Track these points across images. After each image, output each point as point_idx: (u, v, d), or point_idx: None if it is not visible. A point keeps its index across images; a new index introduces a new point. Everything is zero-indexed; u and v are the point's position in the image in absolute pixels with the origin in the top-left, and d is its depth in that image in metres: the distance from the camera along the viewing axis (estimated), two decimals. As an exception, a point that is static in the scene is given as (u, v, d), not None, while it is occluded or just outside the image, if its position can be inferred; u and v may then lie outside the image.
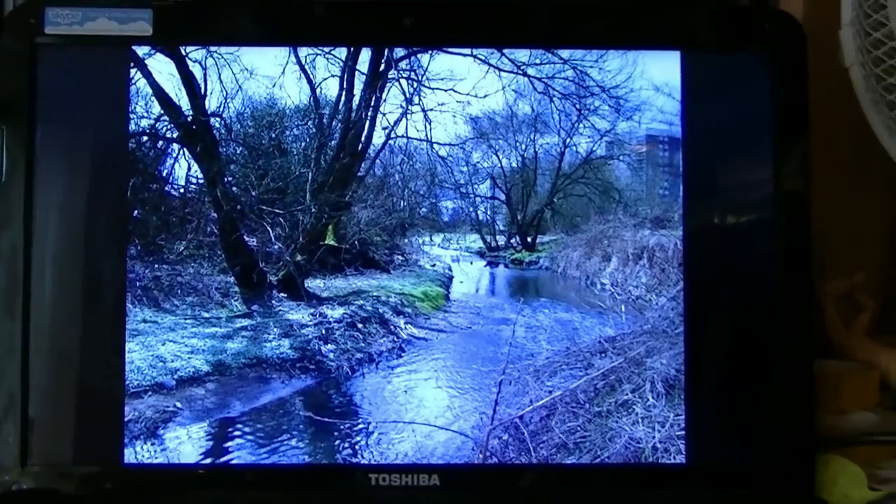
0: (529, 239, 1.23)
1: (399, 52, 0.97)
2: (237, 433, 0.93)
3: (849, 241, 1.06)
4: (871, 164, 0.99)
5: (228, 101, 0.97)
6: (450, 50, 0.94)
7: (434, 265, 1.22)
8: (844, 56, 0.94)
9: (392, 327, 1.11)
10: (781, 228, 0.82)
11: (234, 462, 0.89)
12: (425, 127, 1.03)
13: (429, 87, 0.99)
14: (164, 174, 1.01)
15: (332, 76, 0.99)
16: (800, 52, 0.84)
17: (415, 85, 0.99)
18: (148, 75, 0.92)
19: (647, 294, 0.99)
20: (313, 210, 1.03)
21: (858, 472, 0.84)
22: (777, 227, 0.82)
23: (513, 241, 1.24)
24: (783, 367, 0.81)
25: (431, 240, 1.20)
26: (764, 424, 0.82)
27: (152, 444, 0.87)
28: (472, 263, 1.25)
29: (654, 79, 0.92)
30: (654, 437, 0.88)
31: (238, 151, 1.04)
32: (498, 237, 1.25)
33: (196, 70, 0.94)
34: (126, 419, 0.84)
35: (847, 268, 1.06)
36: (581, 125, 1.02)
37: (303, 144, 1.06)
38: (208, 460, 0.88)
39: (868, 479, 0.83)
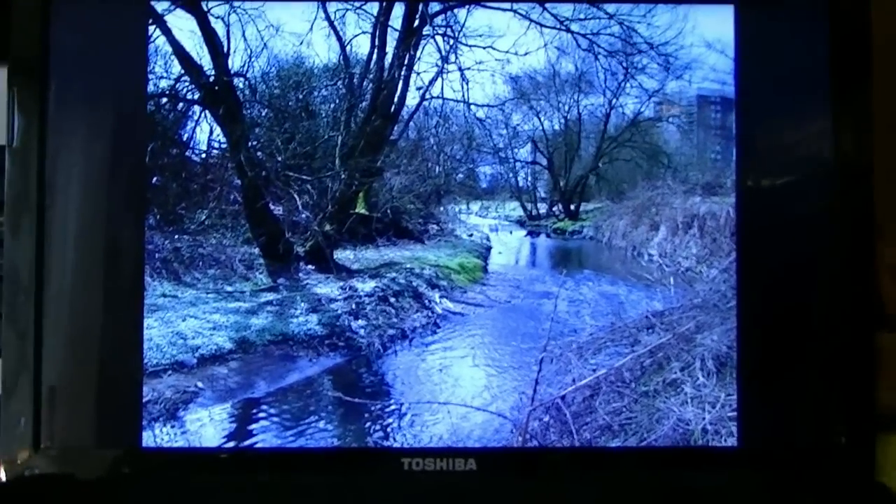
0: (573, 207, 1.22)
1: (434, 6, 0.95)
2: (262, 415, 0.91)
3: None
4: None
5: (253, 59, 0.95)
6: (488, 4, 0.91)
7: (471, 235, 1.21)
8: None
9: (426, 301, 1.09)
10: (841, 193, 0.79)
11: (258, 445, 0.87)
12: (462, 87, 1.01)
13: (466, 45, 0.96)
14: (185, 138, 0.99)
15: (363, 33, 0.97)
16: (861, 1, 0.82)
17: (451, 42, 0.97)
18: (167, 32, 0.89)
19: (698, 265, 0.98)
20: (343, 176, 1.01)
21: (920, 455, 0.82)
22: (836, 192, 0.80)
23: (555, 208, 1.23)
24: (842, 343, 0.79)
25: (468, 208, 1.19)
26: (821, 404, 0.80)
27: (172, 427, 0.85)
28: (511, 233, 1.24)
29: (705, 34, 0.89)
30: (704, 419, 0.86)
31: (263, 114, 1.02)
32: (539, 205, 1.24)
33: (218, 27, 0.91)
34: (145, 400, 0.82)
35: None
36: (628, 85, 0.99)
37: (332, 106, 1.04)
38: (231, 444, 0.86)
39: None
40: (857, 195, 0.79)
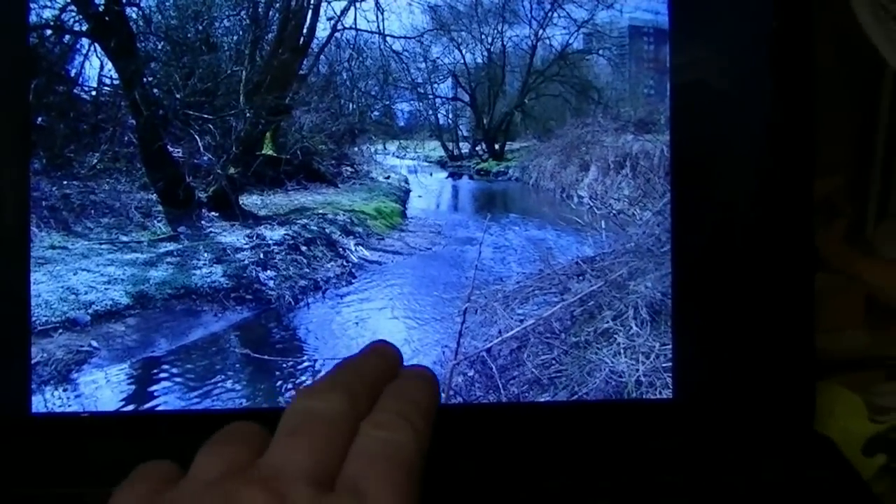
0: (497, 146, 1.22)
1: (346, -73, 0.93)
2: (163, 375, 0.90)
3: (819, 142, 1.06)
4: (838, 54, 0.98)
5: (147, -14, 0.93)
6: (406, -76, 0.91)
7: (388, 177, 1.20)
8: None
9: (341, 249, 1.09)
10: (781, 131, 0.81)
11: (160, 408, 0.86)
12: (377, 17, 1.00)
13: (381, -30, 0.95)
14: (73, 74, 0.96)
15: (269, -44, 0.95)
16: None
17: (365, -33, 0.95)
18: (50, -46, 0.88)
19: (630, 208, 0.98)
20: (248, 115, 1.00)
21: (858, 401, 0.83)
22: (775, 128, 0.81)
23: (478, 148, 1.23)
24: (782, 288, 0.80)
25: (385, 148, 1.18)
26: (758, 353, 0.81)
27: (65, 390, 0.84)
28: (431, 175, 1.23)
29: (638, -41, 0.90)
30: (638, 370, 0.87)
31: (159, 47, 1.00)
32: (461, 144, 1.23)
33: (108, -53, 0.89)
34: (33, 361, 0.81)
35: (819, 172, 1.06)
36: (555, 14, 0.99)
37: (235, 38, 1.02)
38: (130, 407, 0.86)
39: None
40: (797, 132, 0.80)
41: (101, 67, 0.97)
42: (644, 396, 0.85)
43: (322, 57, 1.03)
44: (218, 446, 0.41)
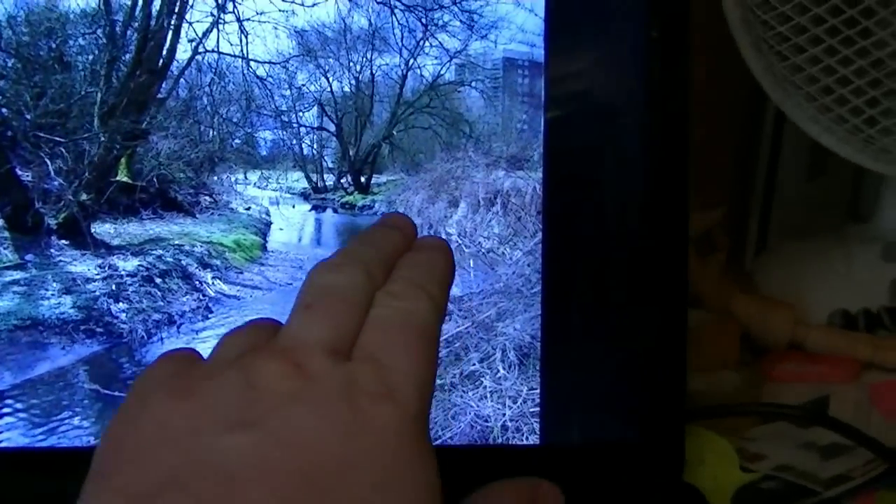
0: (363, 179, 1.21)
1: (210, -56, 0.92)
2: (6, 410, 0.86)
3: (699, 176, 1.08)
4: (720, 87, 1.00)
5: (-4, 0, 0.90)
6: (273, -54, 0.90)
7: (248, 208, 1.18)
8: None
9: (197, 283, 1.06)
10: (656, 167, 0.81)
11: (2, 445, 0.82)
12: (241, 40, 0.99)
13: (246, -9, 0.94)
14: (-86, 90, 0.93)
15: (127, -27, 0.93)
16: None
17: (229, -12, 0.94)
18: None
19: (500, 247, 0.98)
20: (102, 139, 0.97)
21: (728, 448, 0.84)
22: (651, 166, 0.81)
23: (343, 180, 1.22)
24: (654, 330, 0.81)
25: (246, 178, 1.16)
26: (629, 398, 0.81)
27: None
28: (294, 207, 1.22)
29: (513, -10, 0.90)
30: (504, 415, 0.86)
31: (9, 64, 0.97)
32: (326, 176, 1.22)
33: (-46, -44, 0.87)
34: None
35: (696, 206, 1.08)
36: (427, 44, 0.99)
37: (90, 57, 0.99)
38: (-31, 443, 0.82)
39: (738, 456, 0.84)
40: (672, 168, 0.80)
41: (-54, 84, 0.94)
42: (510, 441, 0.85)
43: (182, 80, 1.02)
44: (236, 334, 0.40)
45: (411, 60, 1.02)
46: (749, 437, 0.85)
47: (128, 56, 0.98)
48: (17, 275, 0.95)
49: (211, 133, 1.09)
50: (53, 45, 0.98)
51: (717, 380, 0.92)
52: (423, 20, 0.96)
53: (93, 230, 0.99)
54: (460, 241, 1.05)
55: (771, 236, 1.04)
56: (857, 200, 1.04)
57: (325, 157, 1.21)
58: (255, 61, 1.02)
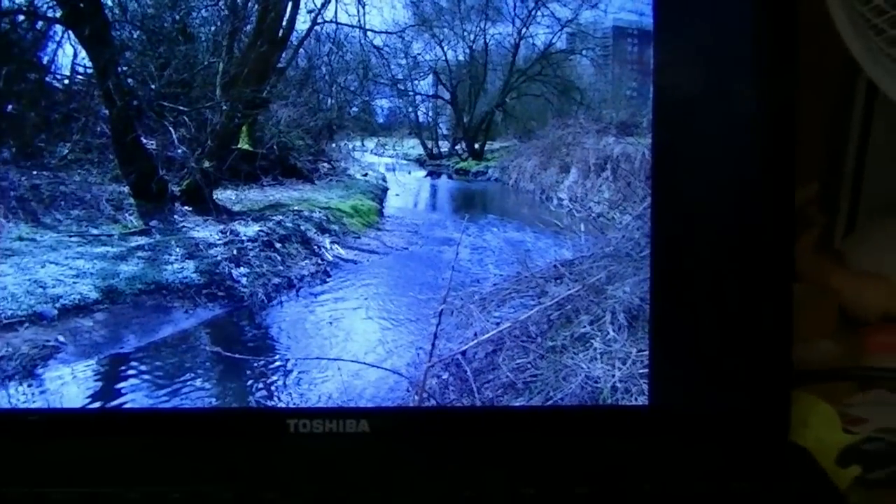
0: (477, 145, 1.22)
1: (328, -83, 0.93)
2: (131, 372, 0.90)
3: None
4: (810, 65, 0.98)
5: (123, -27, 0.92)
6: (389, -83, 0.91)
7: (366, 175, 1.20)
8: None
9: (316, 247, 1.08)
10: (763, 136, 0.81)
11: (127, 406, 0.85)
12: (358, 11, 0.99)
13: (364, -37, 0.95)
14: (45, 62, 0.96)
15: (248, -53, 0.95)
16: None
17: (346, -40, 0.95)
18: (24, -60, 0.87)
19: (610, 211, 0.98)
20: (224, 108, 0.99)
21: (831, 412, 0.83)
22: (758, 136, 0.81)
23: (458, 147, 1.23)
24: (760, 296, 0.81)
25: (363, 145, 1.18)
26: (736, 362, 0.81)
27: (30, 386, 0.84)
28: (410, 173, 1.24)
29: (624, -41, 0.90)
30: (614, 376, 0.87)
31: (135, 36, 0.99)
32: (441, 143, 1.24)
33: (84, -67, 0.89)
34: (-2, 355, 0.82)
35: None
36: (539, 13, 0.98)
37: (212, 29, 1.02)
38: (97, 404, 0.85)
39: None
40: (779, 138, 0.80)
41: (75, 55, 0.96)
42: (619, 402, 0.85)
43: (301, 50, 1.03)
44: None
45: (523, 29, 1.02)
46: (849, 403, 0.85)
47: (249, 27, 1.00)
48: (142, 240, 0.98)
49: (329, 101, 1.10)
50: (177, 17, 1.00)
51: (816, 349, 0.92)
52: (536, -11, 0.96)
53: (215, 197, 1.02)
54: (571, 206, 1.05)
55: (860, 216, 1.03)
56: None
57: (440, 125, 1.21)
58: (372, 31, 1.02)
